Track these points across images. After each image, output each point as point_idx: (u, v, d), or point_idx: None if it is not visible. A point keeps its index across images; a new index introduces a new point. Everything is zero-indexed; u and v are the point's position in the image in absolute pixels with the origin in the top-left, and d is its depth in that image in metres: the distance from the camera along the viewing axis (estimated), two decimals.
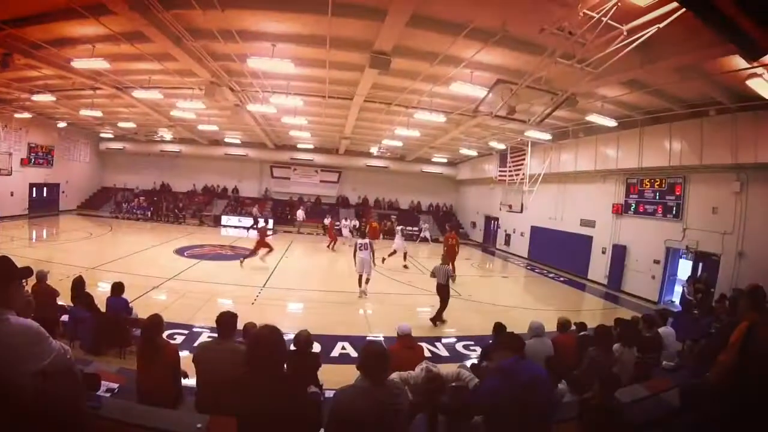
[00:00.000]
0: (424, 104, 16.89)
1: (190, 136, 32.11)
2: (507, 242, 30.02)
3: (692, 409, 4.58)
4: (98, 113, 22.13)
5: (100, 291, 10.28)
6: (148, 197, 34.23)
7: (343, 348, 9.57)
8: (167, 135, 32.07)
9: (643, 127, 16.63)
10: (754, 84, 10.15)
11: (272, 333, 3.21)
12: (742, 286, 9.46)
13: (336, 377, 5.26)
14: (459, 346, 10.52)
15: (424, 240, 31.38)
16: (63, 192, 31.62)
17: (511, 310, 13.94)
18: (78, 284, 8.75)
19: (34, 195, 28.65)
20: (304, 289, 15.34)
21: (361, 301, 14.01)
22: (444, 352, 10.03)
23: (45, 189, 29.81)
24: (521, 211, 22.49)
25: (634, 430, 4.53)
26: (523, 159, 21.79)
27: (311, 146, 34.08)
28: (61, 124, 28.75)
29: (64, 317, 8.29)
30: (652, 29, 7.86)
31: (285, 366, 3.63)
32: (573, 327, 8.36)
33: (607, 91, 13.70)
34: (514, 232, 29.18)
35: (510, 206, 23.12)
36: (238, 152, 35.17)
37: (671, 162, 15.71)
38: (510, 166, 23.29)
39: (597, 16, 7.88)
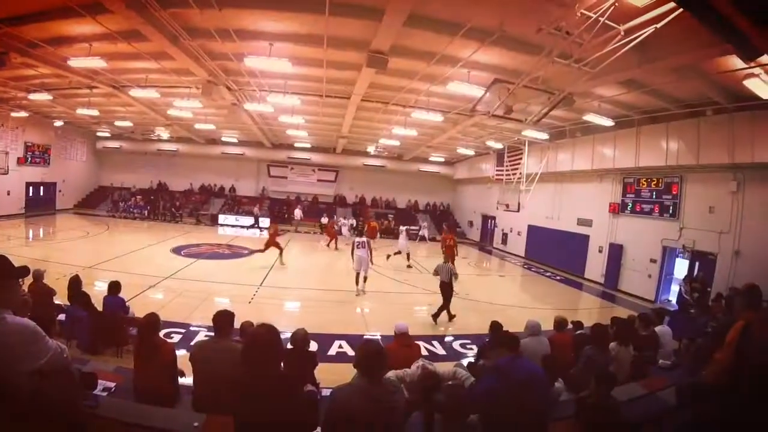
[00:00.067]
0: (422, 103, 16.89)
1: (187, 135, 32.07)
2: (504, 241, 30.03)
3: (688, 408, 4.58)
4: (95, 112, 22.07)
5: (97, 290, 10.24)
6: (145, 196, 34.18)
7: (340, 347, 9.56)
8: (164, 134, 32.02)
9: (640, 126, 16.65)
10: (751, 84, 10.17)
11: (269, 332, 3.21)
12: (738, 286, 9.49)
13: (333, 376, 5.26)
14: (456, 345, 10.53)
15: (423, 239, 31.44)
16: (60, 191, 31.54)
17: (508, 309, 13.95)
18: (75, 283, 8.72)
19: (30, 194, 28.58)
20: (301, 287, 15.34)
21: (359, 300, 14.01)
22: (441, 351, 10.03)
23: (42, 188, 29.74)
24: (518, 210, 22.54)
25: (631, 428, 4.54)
26: (520, 158, 21.84)
27: (308, 145, 34.00)
28: (58, 123, 28.68)
29: (61, 316, 8.26)
30: (650, 29, 7.88)
31: (282, 365, 3.63)
32: (570, 326, 8.38)
33: (604, 91, 13.71)
34: (511, 231, 29.20)
35: (507, 205, 23.14)
36: (235, 151, 35.16)
37: (668, 161, 15.73)
38: (507, 166, 23.33)
39: (594, 16, 7.91)
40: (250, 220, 32.94)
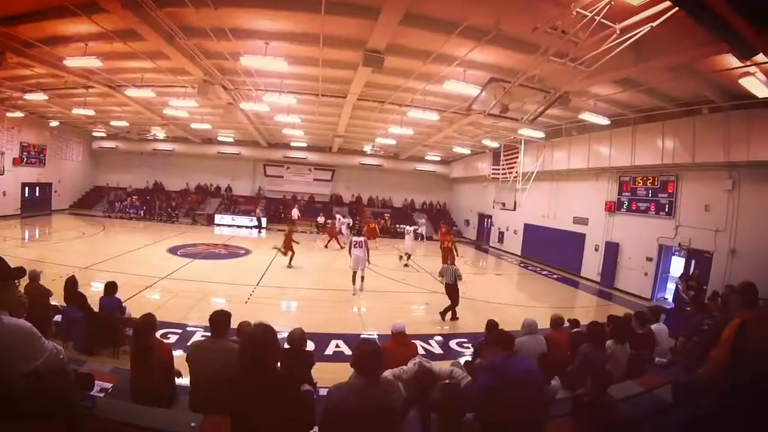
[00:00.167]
0: (418, 102, 16.90)
1: (183, 135, 31.96)
2: (500, 240, 30.07)
3: (685, 406, 4.60)
4: (91, 112, 22.01)
5: (93, 291, 10.21)
6: (141, 196, 34.11)
7: (337, 346, 9.56)
8: (160, 133, 31.92)
9: (635, 125, 16.70)
10: (746, 82, 10.21)
11: (265, 332, 3.21)
12: (734, 283, 9.51)
13: (330, 375, 5.26)
14: (453, 344, 10.54)
15: (421, 237, 31.40)
16: (55, 191, 31.41)
17: (504, 308, 13.99)
18: (71, 284, 8.70)
19: (26, 194, 28.46)
20: (297, 287, 15.32)
21: (355, 299, 14.01)
22: (438, 350, 10.05)
23: (37, 188, 29.60)
24: (514, 209, 22.60)
25: (627, 426, 4.55)
26: (517, 157, 21.86)
27: (304, 144, 33.94)
28: (54, 123, 28.61)
29: (57, 317, 8.26)
30: (645, 28, 7.90)
31: (278, 364, 3.63)
32: (566, 324, 8.40)
33: (599, 90, 13.73)
34: (507, 230, 29.24)
35: (503, 204, 23.22)
36: (231, 151, 35.13)
37: (664, 160, 15.79)
38: (503, 164, 23.37)
39: (590, 15, 7.91)
40: (252, 221, 32.83)
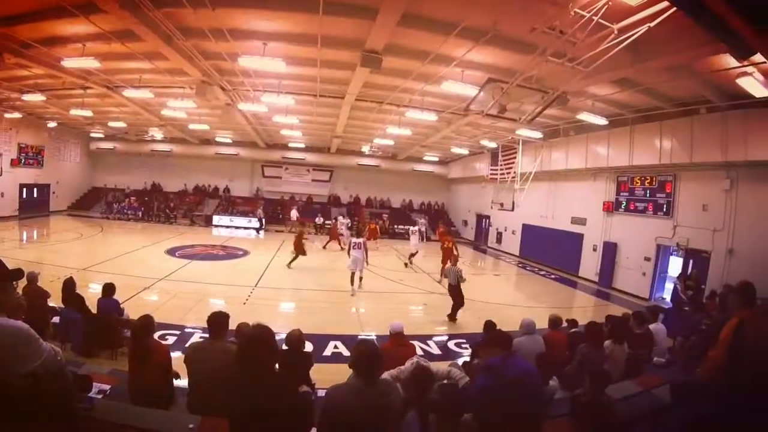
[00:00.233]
0: (416, 103, 16.90)
1: (180, 136, 31.94)
2: (498, 240, 30.06)
3: (683, 405, 4.60)
4: (88, 113, 21.99)
5: (91, 292, 10.21)
6: (139, 197, 34.05)
7: (336, 347, 9.55)
8: (158, 134, 31.90)
9: (633, 125, 16.71)
10: (744, 82, 10.22)
11: (263, 333, 3.21)
12: (732, 283, 9.52)
13: (328, 376, 5.26)
14: (451, 344, 10.55)
15: (422, 236, 31.46)
16: (53, 192, 31.32)
17: (502, 308, 13.99)
18: (69, 285, 8.69)
19: (24, 196, 28.36)
20: (296, 288, 15.33)
21: (354, 300, 14.01)
22: (436, 350, 10.04)
23: (35, 189, 29.51)
24: (512, 210, 22.68)
25: (625, 425, 4.55)
26: (515, 157, 21.91)
27: (302, 145, 33.92)
28: (52, 124, 28.54)
29: (56, 319, 8.25)
30: (643, 28, 7.91)
31: (277, 366, 3.63)
32: (564, 324, 8.40)
33: (597, 90, 13.75)
34: (505, 230, 29.22)
35: (501, 204, 23.29)
36: (229, 151, 35.07)
37: (662, 160, 15.80)
38: (501, 165, 23.41)
39: (588, 15, 7.93)
40: (250, 222, 32.75)
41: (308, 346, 7.69)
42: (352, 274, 14.65)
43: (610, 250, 19.25)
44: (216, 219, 33.05)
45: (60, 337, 7.87)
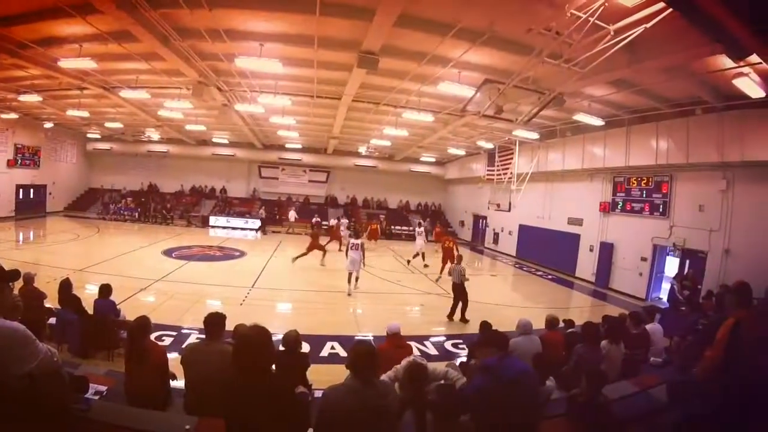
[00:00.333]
0: (412, 104, 16.92)
1: (177, 136, 31.92)
2: (495, 241, 30.09)
3: (679, 405, 4.61)
4: (85, 113, 21.87)
5: (88, 293, 10.20)
6: (136, 198, 33.98)
7: (333, 348, 9.54)
8: (155, 135, 31.87)
9: (630, 126, 16.76)
10: (740, 83, 10.25)
11: (260, 334, 3.20)
12: (728, 283, 9.55)
13: (325, 377, 5.26)
14: (448, 345, 10.56)
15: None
16: (50, 193, 31.26)
17: (499, 308, 14.01)
18: (65, 286, 8.68)
19: (20, 196, 28.31)
20: (293, 289, 15.30)
21: (351, 301, 14.02)
22: (433, 351, 10.04)
23: (32, 190, 29.47)
24: (509, 210, 22.66)
25: (622, 425, 4.56)
26: (511, 158, 21.90)
27: (299, 146, 34.00)
28: (48, 125, 28.44)
29: (52, 320, 8.22)
30: (639, 29, 7.93)
31: (273, 366, 3.62)
32: (561, 324, 8.41)
33: (594, 91, 13.77)
34: (502, 231, 29.25)
35: (498, 205, 23.27)
36: (225, 152, 35.04)
37: (658, 160, 15.83)
38: (498, 165, 23.40)
39: (584, 16, 7.93)
40: (248, 223, 32.66)
41: (305, 347, 7.67)
42: (350, 274, 14.68)
43: (606, 251, 19.27)
44: (213, 220, 32.98)
45: (56, 338, 7.85)
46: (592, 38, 8.61)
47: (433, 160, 35.80)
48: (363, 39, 11.22)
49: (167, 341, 8.98)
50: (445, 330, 11.75)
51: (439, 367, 5.34)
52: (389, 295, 15.39)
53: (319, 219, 30.84)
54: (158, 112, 21.55)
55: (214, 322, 4.86)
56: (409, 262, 21.22)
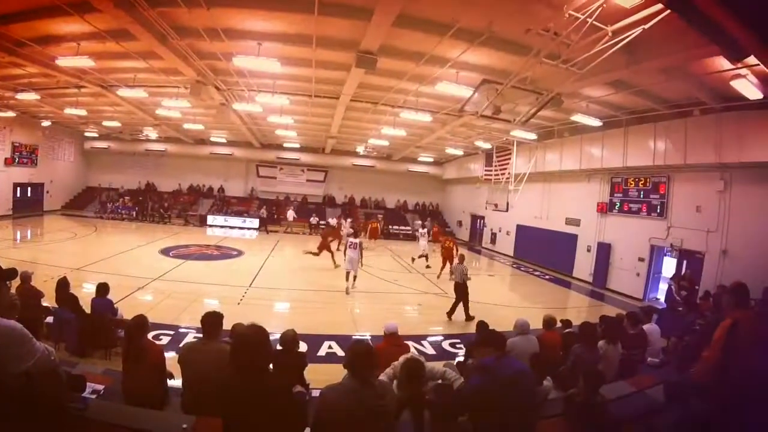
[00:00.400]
0: (411, 104, 16.90)
1: (175, 135, 31.87)
2: (493, 241, 30.12)
3: (677, 405, 4.62)
4: (83, 112, 21.89)
5: (85, 292, 10.18)
6: (133, 197, 33.95)
7: (330, 347, 9.54)
8: (152, 134, 31.74)
9: (627, 126, 16.78)
10: (737, 84, 10.28)
11: (257, 333, 3.20)
12: (726, 284, 9.55)
13: (323, 376, 5.25)
14: (445, 344, 10.56)
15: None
16: (47, 192, 31.19)
17: (497, 308, 14.04)
18: (62, 285, 8.66)
19: (18, 195, 28.26)
20: (290, 288, 15.30)
21: (348, 300, 14.02)
22: (431, 350, 10.04)
23: (29, 189, 29.39)
24: (507, 210, 22.61)
25: (619, 425, 4.56)
26: (509, 158, 21.88)
27: (297, 145, 33.96)
28: (46, 123, 28.42)
29: (49, 319, 8.19)
30: (637, 30, 7.94)
31: (271, 366, 3.62)
32: (558, 324, 8.40)
33: (592, 91, 13.80)
34: (500, 231, 29.28)
35: (496, 205, 23.23)
36: (223, 151, 35.00)
37: (656, 161, 15.86)
38: (496, 166, 23.38)
39: (582, 17, 7.93)
40: (246, 222, 32.67)
41: (302, 346, 7.66)
42: (347, 273, 14.73)
43: (604, 251, 19.30)
44: (210, 219, 32.97)
45: (53, 336, 7.83)
46: (591, 39, 8.61)
47: (431, 160, 35.80)
48: (361, 39, 11.22)
49: (164, 340, 8.98)
50: (442, 330, 11.76)
51: (437, 366, 5.34)
52: (387, 295, 15.40)
53: (341, 219, 30.83)
54: (156, 111, 21.52)
55: (212, 321, 4.85)
56: (413, 260, 21.40)
